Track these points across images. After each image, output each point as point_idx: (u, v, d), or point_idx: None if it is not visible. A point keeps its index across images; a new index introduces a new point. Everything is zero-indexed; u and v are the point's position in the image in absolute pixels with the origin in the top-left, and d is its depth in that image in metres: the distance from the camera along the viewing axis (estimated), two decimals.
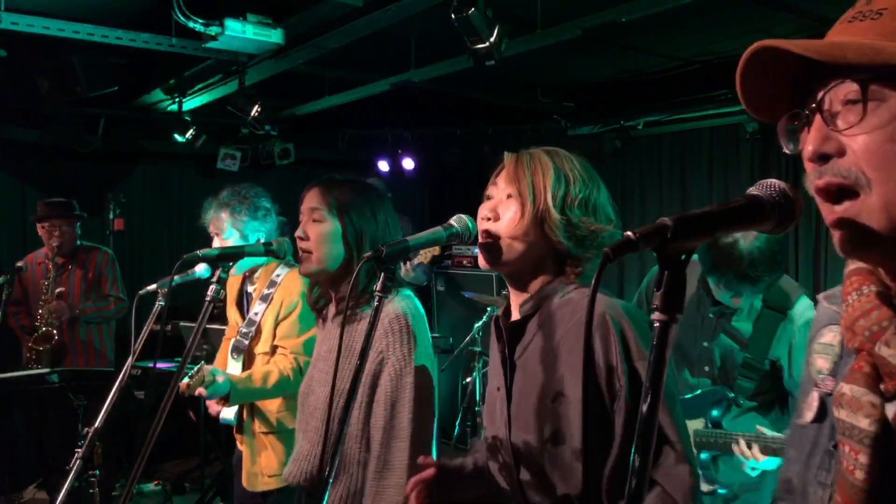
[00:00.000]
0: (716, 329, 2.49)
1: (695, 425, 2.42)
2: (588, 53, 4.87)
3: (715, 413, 2.43)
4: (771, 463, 2.28)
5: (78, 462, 2.15)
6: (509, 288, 1.60)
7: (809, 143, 0.81)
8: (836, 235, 0.81)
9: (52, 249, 4.76)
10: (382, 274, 1.60)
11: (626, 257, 0.82)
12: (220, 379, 2.54)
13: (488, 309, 4.96)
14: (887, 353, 0.79)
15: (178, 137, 6.12)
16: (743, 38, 4.49)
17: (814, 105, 0.82)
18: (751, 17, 4.14)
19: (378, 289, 1.60)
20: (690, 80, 5.34)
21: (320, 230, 2.09)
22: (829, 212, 0.81)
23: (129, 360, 2.20)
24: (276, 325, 2.80)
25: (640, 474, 0.80)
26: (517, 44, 3.81)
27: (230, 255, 2.31)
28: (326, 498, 1.56)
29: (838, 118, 0.79)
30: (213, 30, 3.58)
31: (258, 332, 2.85)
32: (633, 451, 0.81)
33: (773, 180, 0.86)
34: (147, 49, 3.98)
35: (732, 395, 2.44)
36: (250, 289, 3.01)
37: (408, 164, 7.12)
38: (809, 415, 0.92)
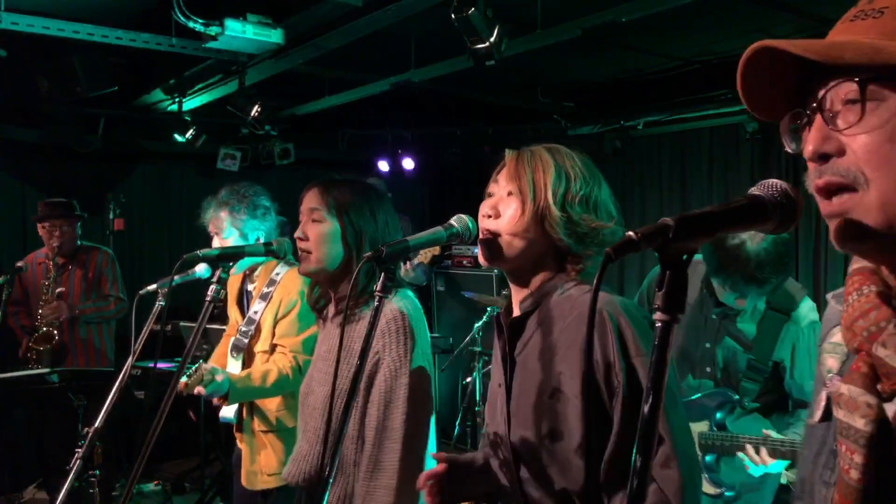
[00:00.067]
0: (719, 330, 2.49)
1: (699, 428, 2.42)
2: (588, 53, 4.87)
3: (719, 415, 2.42)
4: (778, 466, 2.28)
5: (78, 462, 2.15)
6: (510, 285, 1.61)
7: (809, 143, 0.81)
8: (830, 227, 0.82)
9: (53, 249, 4.76)
10: (382, 274, 1.60)
11: (627, 257, 0.82)
12: (219, 378, 2.54)
13: (488, 309, 4.96)
14: (884, 353, 0.79)
15: (178, 137, 6.12)
16: (743, 38, 4.48)
17: (815, 104, 0.82)
18: (751, 17, 4.14)
19: (378, 289, 1.60)
20: (690, 80, 5.34)
21: (320, 230, 2.09)
22: (826, 205, 0.81)
23: (129, 360, 2.20)
24: (276, 323, 2.80)
25: (642, 475, 0.79)
26: (517, 44, 3.81)
27: (230, 255, 2.31)
28: (326, 498, 1.56)
29: (838, 118, 0.79)
30: (213, 30, 3.58)
31: (258, 330, 2.86)
32: (634, 451, 0.80)
33: (775, 180, 0.86)
34: (147, 49, 3.98)
35: (737, 397, 2.43)
36: (250, 287, 3.01)
37: (408, 164, 7.12)
38: (818, 414, 0.93)
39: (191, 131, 6.04)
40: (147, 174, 6.61)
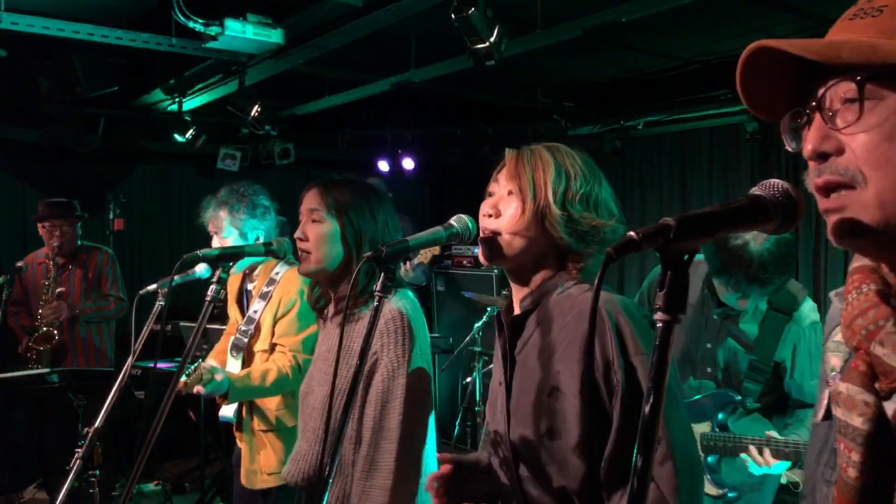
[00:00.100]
0: (720, 331, 2.48)
1: (701, 428, 2.42)
2: (588, 53, 4.87)
3: (721, 416, 2.42)
4: (781, 467, 2.28)
5: (78, 462, 2.15)
6: (511, 283, 1.61)
7: (808, 142, 0.81)
8: (829, 223, 0.82)
9: (53, 249, 4.76)
10: (382, 274, 1.60)
11: (627, 257, 0.82)
12: (218, 377, 2.54)
13: (488, 309, 4.96)
14: (882, 351, 0.79)
15: (178, 137, 6.12)
16: (743, 38, 4.46)
17: (814, 103, 0.82)
18: (751, 17, 4.14)
19: (378, 289, 1.59)
20: (690, 80, 5.35)
21: (319, 231, 2.09)
22: (824, 202, 0.82)
23: (129, 360, 2.20)
24: (275, 322, 2.80)
25: (642, 475, 0.79)
26: (517, 44, 3.81)
27: (230, 255, 2.31)
28: (326, 498, 1.56)
29: (837, 117, 0.79)
30: (213, 30, 3.58)
31: (257, 329, 2.86)
32: (634, 451, 0.80)
33: (776, 180, 0.86)
34: (147, 49, 3.98)
35: (739, 397, 2.43)
36: (250, 287, 3.01)
37: (408, 164, 7.11)
38: (821, 413, 0.93)
39: (191, 131, 6.05)
40: (147, 174, 6.61)
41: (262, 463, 2.77)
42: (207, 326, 3.77)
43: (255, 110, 4.82)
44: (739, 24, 4.28)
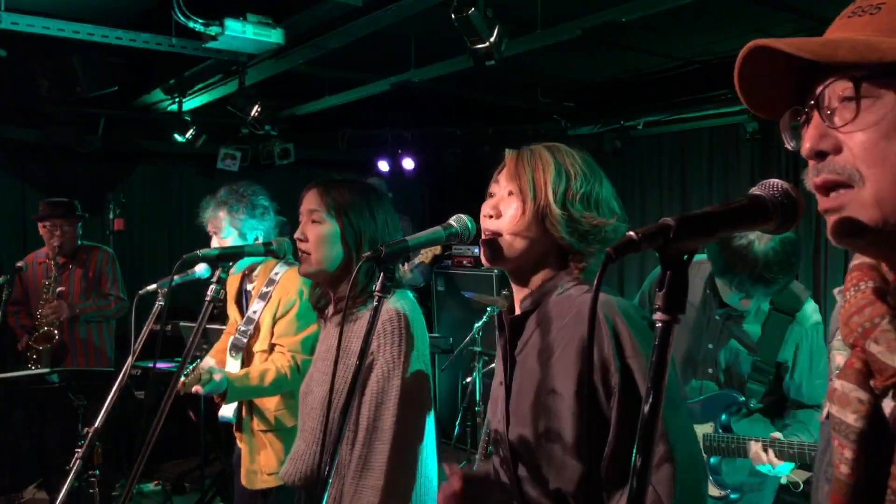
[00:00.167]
0: (722, 332, 2.48)
1: (704, 429, 2.42)
2: (588, 53, 4.87)
3: (724, 417, 2.42)
4: (785, 468, 2.28)
5: (78, 462, 2.16)
6: (511, 284, 1.60)
7: (807, 141, 0.81)
8: (828, 222, 0.82)
9: (53, 249, 4.77)
10: (381, 274, 1.60)
11: (627, 257, 0.82)
12: (217, 377, 2.54)
13: (488, 309, 4.96)
14: (876, 349, 0.79)
15: (178, 137, 6.12)
16: (743, 38, 4.43)
17: (812, 102, 0.82)
18: (751, 17, 4.13)
19: (377, 289, 1.59)
20: (690, 80, 5.34)
21: (319, 231, 2.09)
22: (823, 201, 0.82)
23: (129, 360, 2.20)
24: (274, 323, 2.80)
25: (642, 475, 0.79)
26: (517, 44, 3.81)
27: (230, 255, 2.31)
28: (326, 498, 1.56)
29: (835, 115, 0.79)
30: (213, 30, 3.58)
31: (256, 330, 2.86)
32: (634, 451, 0.80)
33: (776, 180, 0.86)
34: (147, 49, 3.98)
35: (742, 398, 2.43)
36: (249, 287, 3.01)
37: (408, 164, 7.12)
38: (825, 411, 0.93)
39: (191, 131, 6.04)
40: (147, 174, 6.61)
41: (261, 463, 2.77)
42: (207, 326, 3.77)
43: (255, 110, 4.82)
44: (739, 24, 4.28)
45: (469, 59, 3.65)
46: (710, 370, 2.51)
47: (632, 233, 0.81)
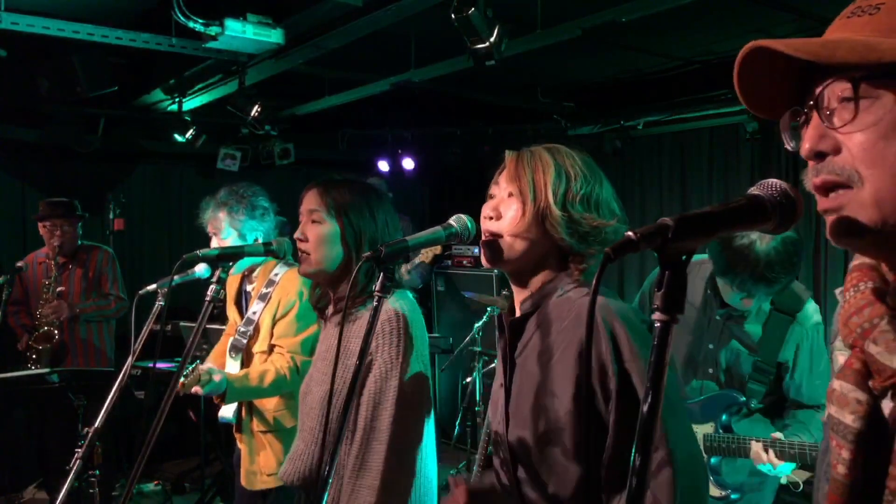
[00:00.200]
0: (723, 332, 2.48)
1: (705, 429, 2.42)
2: (588, 53, 4.87)
3: (725, 417, 2.42)
4: (786, 468, 2.27)
5: (78, 462, 2.15)
6: (512, 285, 1.60)
7: (806, 141, 0.81)
8: (827, 222, 0.82)
9: (53, 249, 4.77)
10: (382, 274, 1.60)
11: (627, 257, 0.83)
12: (216, 378, 2.55)
13: (488, 309, 4.96)
14: (875, 350, 0.79)
15: (178, 137, 6.12)
16: (743, 38, 4.42)
17: (812, 102, 0.82)
18: (751, 17, 4.13)
19: (377, 289, 1.59)
20: (690, 80, 5.34)
21: (319, 231, 2.09)
22: (822, 201, 0.82)
23: (129, 360, 2.20)
24: (274, 324, 2.80)
25: (641, 474, 0.79)
26: (517, 44, 3.81)
27: (230, 255, 2.31)
28: (326, 498, 1.56)
29: (834, 116, 0.79)
30: (213, 30, 3.58)
31: (256, 331, 2.86)
32: (633, 451, 0.80)
33: (774, 180, 0.86)
34: (147, 49, 3.98)
35: (743, 398, 2.42)
36: (249, 288, 3.01)
37: (408, 164, 7.12)
38: (827, 411, 0.93)
39: (191, 131, 6.05)
40: (147, 174, 6.61)
41: (261, 464, 2.77)
42: (207, 326, 3.77)
43: (255, 110, 4.82)
44: (739, 24, 4.28)
45: (469, 59, 3.65)
46: (711, 370, 2.51)
47: (630, 233, 0.81)
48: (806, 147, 0.81)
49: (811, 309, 2.43)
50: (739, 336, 2.45)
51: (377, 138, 7.31)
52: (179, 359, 2.52)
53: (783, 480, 2.45)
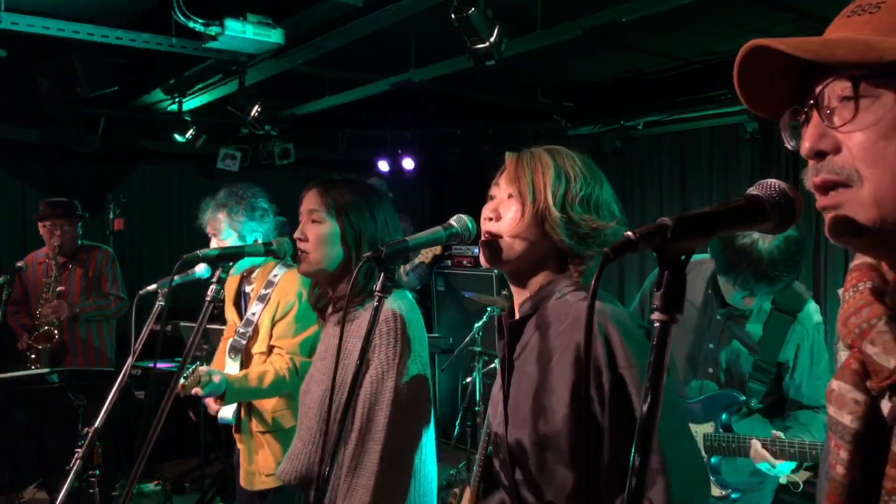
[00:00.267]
0: (723, 331, 2.48)
1: (704, 429, 2.42)
2: (588, 53, 4.87)
3: (725, 417, 2.42)
4: (787, 467, 2.27)
5: (78, 462, 2.16)
6: (511, 287, 1.60)
7: (806, 141, 0.81)
8: (826, 220, 0.82)
9: (54, 249, 4.77)
10: (382, 274, 1.60)
11: (626, 258, 0.83)
12: (216, 379, 2.55)
13: (488, 309, 4.96)
14: (872, 350, 0.79)
15: (178, 137, 6.12)
16: (743, 38, 4.42)
17: (812, 101, 0.81)
18: (751, 17, 4.14)
19: (378, 289, 1.59)
20: (690, 80, 5.34)
21: (319, 231, 2.09)
22: (822, 199, 0.82)
23: (129, 360, 2.20)
24: (273, 325, 2.81)
25: (640, 475, 0.79)
26: (517, 44, 3.81)
27: (230, 256, 2.31)
28: (326, 498, 1.56)
29: (835, 115, 0.79)
30: (213, 30, 3.58)
31: (255, 332, 2.86)
32: (633, 451, 0.80)
33: (773, 180, 0.86)
34: (147, 49, 3.98)
35: (743, 398, 2.42)
36: (248, 289, 3.01)
37: (408, 164, 7.12)
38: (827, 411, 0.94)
39: (191, 131, 6.05)
40: (147, 174, 6.61)
41: (260, 464, 2.77)
42: (207, 327, 3.77)
43: (255, 110, 4.82)
44: (739, 24, 4.28)
45: (469, 59, 3.65)
46: (711, 370, 2.51)
47: (629, 233, 0.81)
48: (806, 146, 0.81)
49: (812, 309, 2.43)
50: (740, 336, 2.45)
51: (377, 138, 7.31)
52: (179, 359, 2.53)
53: (783, 480, 2.45)
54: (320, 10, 3.66)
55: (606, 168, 1.60)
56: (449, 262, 6.52)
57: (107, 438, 3.68)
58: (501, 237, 1.52)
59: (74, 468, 2.15)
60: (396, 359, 1.92)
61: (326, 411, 1.80)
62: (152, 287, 2.36)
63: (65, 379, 3.60)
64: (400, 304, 1.98)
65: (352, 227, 2.09)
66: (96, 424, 2.22)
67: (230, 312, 3.07)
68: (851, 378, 0.81)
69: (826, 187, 0.80)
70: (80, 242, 4.93)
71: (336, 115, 6.20)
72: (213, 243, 2.96)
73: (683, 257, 0.82)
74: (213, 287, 2.20)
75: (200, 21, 3.56)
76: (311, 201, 2.12)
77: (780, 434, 2.28)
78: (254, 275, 2.98)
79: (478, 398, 5.11)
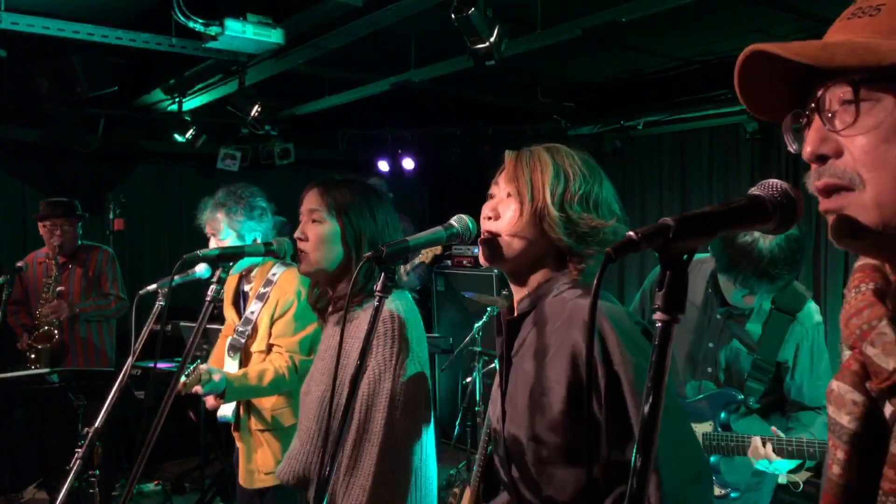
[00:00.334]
0: (723, 330, 2.48)
1: (703, 428, 2.42)
2: (588, 53, 4.87)
3: (723, 415, 2.42)
4: (785, 466, 2.27)
5: (78, 462, 2.16)
6: (511, 285, 1.60)
7: (808, 144, 0.81)
8: (829, 223, 0.82)
9: (54, 249, 4.77)
10: (382, 274, 1.60)
11: (627, 258, 0.83)
12: (216, 377, 2.55)
13: (488, 309, 4.96)
14: (872, 352, 0.79)
15: (178, 137, 6.12)
16: (743, 38, 4.48)
17: (813, 105, 0.81)
18: (751, 17, 4.13)
19: (378, 289, 1.59)
20: (690, 80, 5.34)
21: (319, 231, 2.09)
22: (824, 202, 0.82)
23: (129, 360, 2.20)
24: (272, 323, 2.81)
25: (642, 475, 0.79)
26: (517, 44, 3.81)
27: (230, 255, 2.31)
28: (326, 499, 1.56)
29: (836, 118, 0.79)
30: (213, 30, 3.58)
31: (254, 330, 2.86)
32: (634, 452, 0.80)
33: (775, 180, 0.86)
34: (147, 49, 3.98)
35: (741, 396, 2.42)
36: (247, 288, 3.01)
37: (408, 164, 7.12)
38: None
39: (191, 131, 6.04)
40: (147, 174, 6.61)
41: (259, 462, 2.77)
42: (207, 326, 3.77)
43: (255, 110, 4.82)
44: (739, 24, 4.28)
45: (469, 59, 3.65)
46: (710, 369, 2.51)
47: (631, 233, 0.81)
48: (808, 150, 0.81)
49: (812, 308, 2.43)
50: (739, 335, 2.45)
51: (377, 138, 7.31)
52: (179, 359, 2.53)
53: (782, 480, 2.45)
54: (320, 10, 3.66)
55: (606, 168, 1.60)
56: (449, 262, 6.52)
57: (107, 438, 3.68)
58: (500, 236, 1.52)
59: (74, 468, 2.15)
60: (394, 359, 1.92)
61: (326, 411, 1.80)
62: (152, 287, 2.36)
63: (65, 379, 3.60)
64: (398, 304, 1.98)
65: (352, 227, 2.09)
66: (96, 424, 2.22)
67: (229, 312, 3.07)
68: (851, 379, 0.81)
69: (828, 191, 0.80)
70: (80, 242, 4.93)
71: (336, 115, 6.19)
72: (212, 243, 2.96)
73: (685, 257, 0.82)
74: (213, 287, 2.20)
75: (200, 21, 3.56)
76: (311, 201, 2.12)
77: (780, 432, 2.29)
78: (252, 273, 2.98)
79: (478, 398, 5.11)
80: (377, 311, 1.58)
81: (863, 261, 0.88)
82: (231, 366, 2.89)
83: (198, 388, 2.51)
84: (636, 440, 0.81)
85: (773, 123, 0.90)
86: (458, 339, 5.37)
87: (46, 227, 4.77)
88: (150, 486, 5.42)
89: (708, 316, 2.51)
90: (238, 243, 2.92)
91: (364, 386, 1.92)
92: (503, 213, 1.53)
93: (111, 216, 5.94)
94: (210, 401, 2.79)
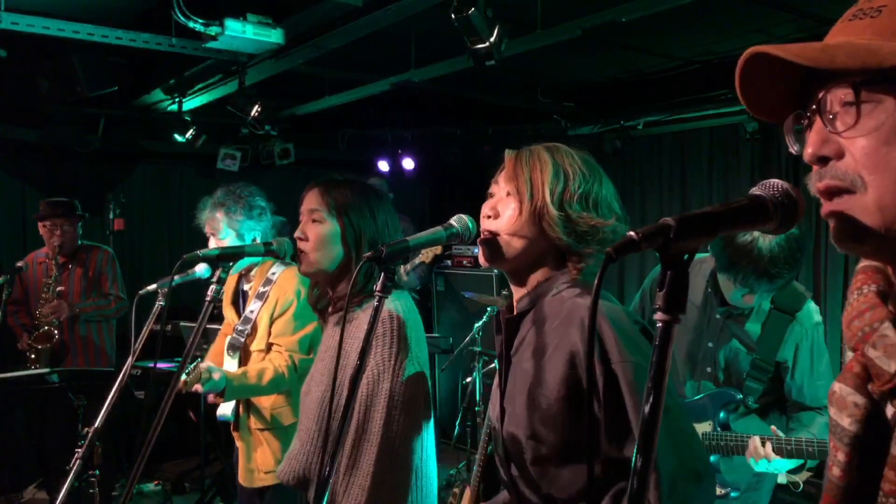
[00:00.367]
0: (722, 330, 2.48)
1: (703, 428, 2.42)
2: (588, 53, 4.87)
3: (723, 415, 2.42)
4: (783, 465, 2.27)
5: (78, 462, 2.16)
6: (510, 284, 1.60)
7: (809, 146, 0.81)
8: (830, 227, 0.82)
9: (54, 249, 4.77)
10: (382, 274, 1.60)
11: (627, 257, 0.83)
12: (216, 376, 2.55)
13: (488, 309, 4.96)
14: (874, 354, 0.78)
15: (178, 137, 6.12)
16: (743, 38, 4.49)
17: (814, 106, 0.81)
18: (751, 17, 4.13)
19: (378, 289, 1.59)
20: (690, 80, 5.34)
21: (319, 231, 2.09)
22: (826, 205, 0.82)
23: (129, 360, 2.20)
24: (272, 322, 2.81)
25: (642, 475, 0.79)
26: (517, 44, 3.81)
27: (230, 255, 2.31)
28: (326, 499, 1.56)
29: (837, 120, 0.79)
30: (213, 30, 3.58)
31: (254, 329, 2.86)
32: (634, 452, 0.80)
33: (776, 180, 0.86)
34: (147, 49, 3.98)
35: (740, 396, 2.42)
36: (246, 287, 3.01)
37: (408, 164, 7.12)
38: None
39: (191, 131, 6.05)
40: (147, 174, 6.61)
41: (258, 461, 2.77)
42: (207, 326, 3.76)
43: (255, 110, 4.82)
44: (739, 24, 4.28)
45: (469, 59, 3.65)
46: (709, 369, 2.51)
47: (632, 233, 0.81)
48: (809, 152, 0.81)
49: (811, 308, 2.43)
50: (739, 334, 2.45)
51: (377, 138, 7.31)
52: (180, 359, 2.53)
53: (782, 480, 2.45)
54: (320, 10, 3.66)
55: (606, 168, 1.60)
56: (449, 262, 6.51)
57: (107, 438, 3.68)
58: (500, 235, 1.52)
59: (74, 468, 2.15)
60: (393, 360, 1.92)
61: (326, 412, 1.80)
62: (152, 287, 2.36)
63: (65, 379, 3.60)
64: (397, 304, 1.98)
65: (352, 227, 2.09)
66: (96, 424, 2.22)
67: (228, 311, 3.07)
68: (853, 381, 0.81)
69: (830, 193, 0.80)
70: (80, 242, 4.93)
71: (336, 115, 6.19)
72: (212, 243, 2.96)
73: (686, 257, 0.82)
74: (213, 287, 2.20)
75: (200, 21, 3.56)
76: (311, 201, 2.13)
77: (780, 432, 2.29)
78: (252, 273, 2.98)
79: (478, 398, 5.11)
80: (377, 311, 1.58)
81: (865, 263, 0.88)
82: (230, 364, 2.89)
83: (198, 387, 2.51)
84: (636, 440, 0.81)
85: (773, 124, 0.90)
86: (458, 339, 5.36)
87: (46, 227, 4.77)
88: (150, 486, 5.42)
89: (707, 315, 2.51)
90: (237, 243, 2.92)
91: (363, 386, 1.92)
92: (503, 211, 1.53)
93: (111, 216, 5.93)
94: (211, 396, 2.79)
